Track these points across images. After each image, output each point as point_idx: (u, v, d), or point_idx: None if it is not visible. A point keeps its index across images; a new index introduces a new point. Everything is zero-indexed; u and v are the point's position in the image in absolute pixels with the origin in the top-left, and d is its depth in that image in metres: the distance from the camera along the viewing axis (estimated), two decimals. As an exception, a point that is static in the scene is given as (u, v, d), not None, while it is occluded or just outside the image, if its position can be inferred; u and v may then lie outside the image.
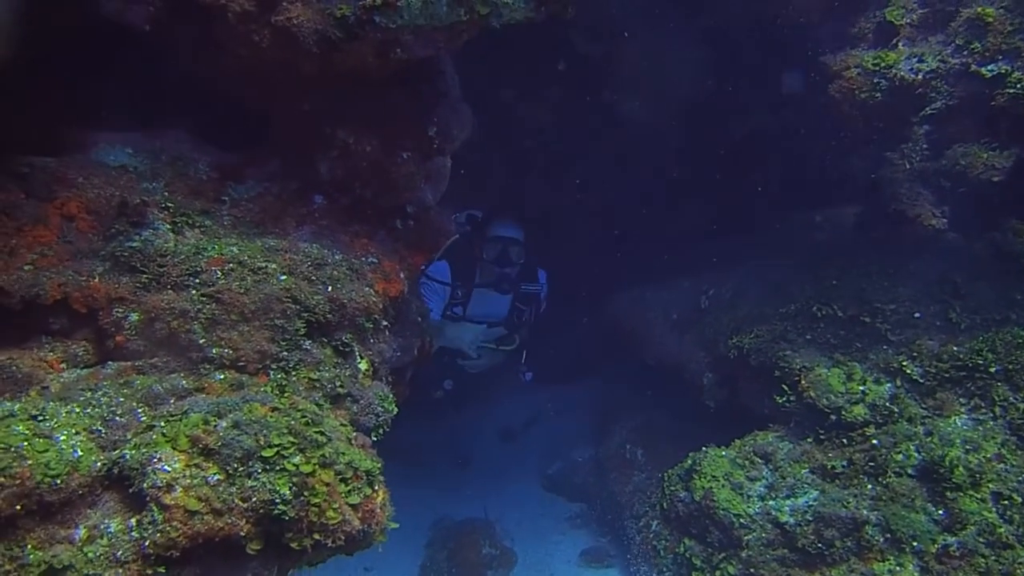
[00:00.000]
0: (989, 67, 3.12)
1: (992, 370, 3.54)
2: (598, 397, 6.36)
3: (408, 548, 4.96)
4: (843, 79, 3.57)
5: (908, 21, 3.45)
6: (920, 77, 3.31)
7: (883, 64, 3.39)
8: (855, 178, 4.83)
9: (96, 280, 2.37)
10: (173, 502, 2.02)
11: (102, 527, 2.01)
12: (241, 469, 2.09)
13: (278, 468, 2.12)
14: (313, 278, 2.64)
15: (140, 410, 2.26)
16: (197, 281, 2.46)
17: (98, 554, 1.97)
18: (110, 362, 2.39)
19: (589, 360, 6.44)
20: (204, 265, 2.49)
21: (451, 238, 3.65)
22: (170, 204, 2.58)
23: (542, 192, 5.53)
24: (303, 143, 2.92)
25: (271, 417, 2.22)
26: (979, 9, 3.14)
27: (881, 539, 3.33)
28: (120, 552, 1.98)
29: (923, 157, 4.72)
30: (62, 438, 2.05)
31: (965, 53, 3.20)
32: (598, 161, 5.50)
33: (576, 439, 5.94)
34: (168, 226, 2.52)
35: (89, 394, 2.23)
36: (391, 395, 2.87)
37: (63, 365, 2.35)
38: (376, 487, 2.36)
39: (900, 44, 3.46)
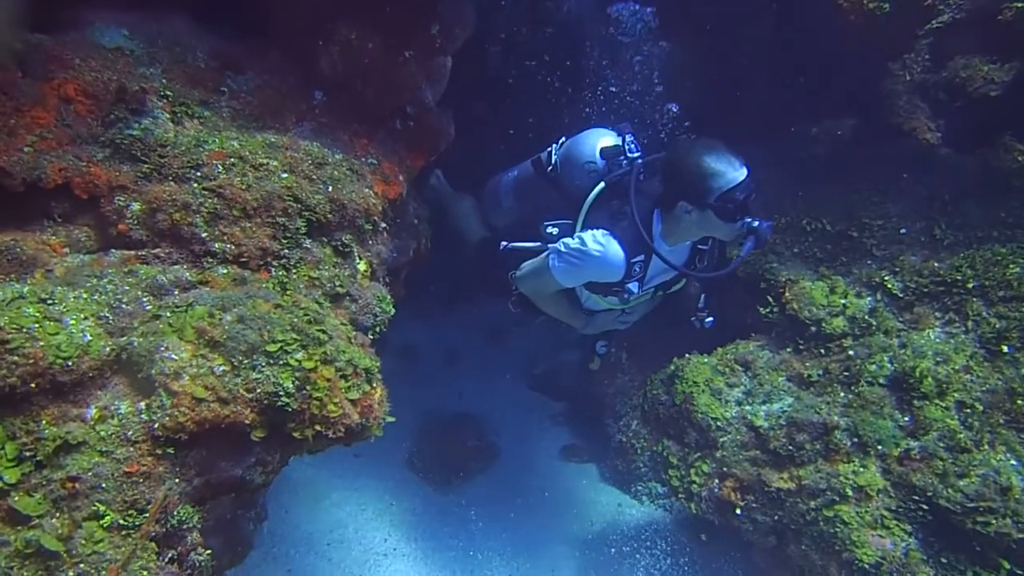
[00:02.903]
0: (1002, -20, 3.03)
1: (969, 286, 3.65)
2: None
3: (397, 438, 5.17)
4: (854, -13, 3.46)
5: (928, -72, 3.31)
6: (933, -12, 3.21)
7: (898, -27, 3.28)
8: (856, 90, 4.75)
9: (97, 167, 2.36)
10: (181, 389, 2.10)
11: (112, 408, 2.10)
12: (246, 362, 2.17)
13: (281, 363, 2.19)
14: (314, 177, 2.64)
15: (145, 299, 2.30)
16: (198, 174, 2.45)
17: (109, 432, 2.06)
18: (113, 250, 2.41)
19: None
20: (205, 158, 2.47)
21: (450, 140, 3.47)
22: (169, 92, 2.52)
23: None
24: (304, 37, 2.82)
25: (274, 314, 2.28)
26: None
27: (848, 443, 3.53)
28: (131, 432, 2.07)
29: (924, 68, 4.63)
30: (71, 322, 2.10)
31: (982, -36, 3.10)
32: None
33: (563, 342, 6.10)
34: (167, 115, 2.48)
35: (95, 281, 2.26)
36: (388, 296, 2.93)
37: (66, 250, 2.37)
38: (374, 384, 2.46)
39: (917, -48, 3.33)
